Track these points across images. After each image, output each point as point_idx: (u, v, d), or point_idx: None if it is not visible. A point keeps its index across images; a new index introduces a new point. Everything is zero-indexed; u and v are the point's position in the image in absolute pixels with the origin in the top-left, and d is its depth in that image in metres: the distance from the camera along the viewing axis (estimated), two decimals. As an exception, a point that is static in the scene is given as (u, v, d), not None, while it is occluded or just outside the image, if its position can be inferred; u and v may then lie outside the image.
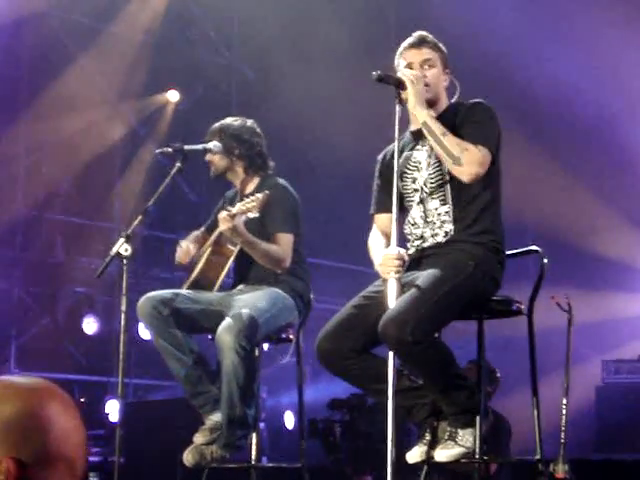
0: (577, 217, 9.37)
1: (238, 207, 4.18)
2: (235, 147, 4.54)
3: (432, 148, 3.68)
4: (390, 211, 3.56)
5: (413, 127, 3.83)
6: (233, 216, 4.15)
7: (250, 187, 4.58)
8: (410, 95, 3.55)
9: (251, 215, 4.18)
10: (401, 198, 3.73)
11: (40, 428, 1.51)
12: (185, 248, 4.54)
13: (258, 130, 4.63)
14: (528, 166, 8.80)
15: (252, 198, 4.15)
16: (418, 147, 3.79)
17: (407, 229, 3.80)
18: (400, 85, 3.56)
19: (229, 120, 4.65)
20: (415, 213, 3.77)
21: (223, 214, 4.19)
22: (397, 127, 3.51)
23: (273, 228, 4.39)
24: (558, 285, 4.32)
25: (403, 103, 3.57)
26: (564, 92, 9.11)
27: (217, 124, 4.64)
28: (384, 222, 3.83)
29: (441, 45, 3.81)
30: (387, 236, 3.71)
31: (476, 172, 3.56)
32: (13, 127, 8.44)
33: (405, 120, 3.73)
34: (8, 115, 8.41)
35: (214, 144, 4.54)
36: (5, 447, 1.49)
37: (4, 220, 8.45)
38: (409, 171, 3.79)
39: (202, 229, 4.75)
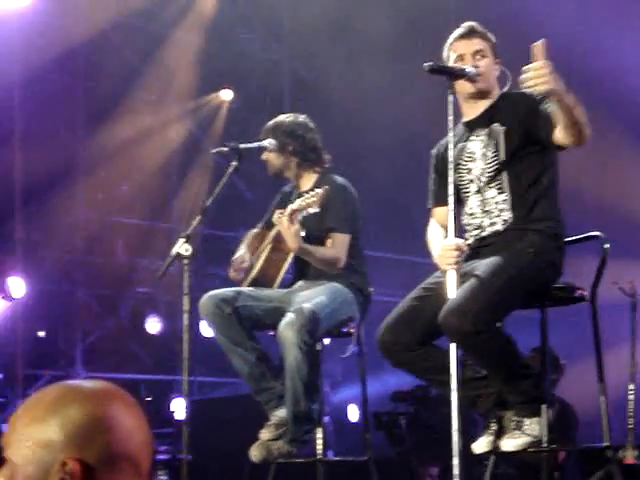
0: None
1: (298, 203, 4.19)
2: (289, 143, 4.55)
3: (488, 136, 3.68)
4: (447, 204, 3.54)
5: (466, 118, 3.82)
6: (292, 214, 4.15)
7: (307, 184, 4.59)
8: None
9: (311, 210, 4.20)
10: (457, 190, 3.72)
11: (103, 429, 1.54)
12: (238, 265, 4.56)
13: (311, 125, 4.64)
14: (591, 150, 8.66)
15: (312, 193, 4.18)
16: (472, 138, 3.77)
17: (465, 220, 3.79)
18: (453, 75, 3.54)
19: (282, 117, 4.67)
20: (472, 203, 3.75)
21: (278, 214, 4.20)
22: (451, 117, 3.49)
23: (330, 228, 4.40)
24: (621, 269, 4.27)
25: (456, 94, 3.55)
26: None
27: (270, 122, 4.66)
28: (442, 215, 3.82)
29: (490, 35, 3.79)
30: (445, 229, 3.70)
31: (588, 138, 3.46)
32: (72, 133, 8.56)
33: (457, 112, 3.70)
34: (66, 122, 8.53)
35: (269, 141, 4.56)
36: (70, 449, 1.51)
37: (66, 224, 8.58)
38: (464, 162, 3.77)
39: (260, 225, 4.78)
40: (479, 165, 3.73)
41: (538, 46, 3.23)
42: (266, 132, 4.62)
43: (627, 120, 9.16)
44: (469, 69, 3.65)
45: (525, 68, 3.25)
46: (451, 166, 3.50)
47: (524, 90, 3.65)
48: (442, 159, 3.81)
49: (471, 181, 3.76)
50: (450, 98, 3.50)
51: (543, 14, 8.45)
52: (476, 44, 3.74)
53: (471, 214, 3.76)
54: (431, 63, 3.49)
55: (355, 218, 4.50)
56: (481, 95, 3.71)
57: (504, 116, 3.67)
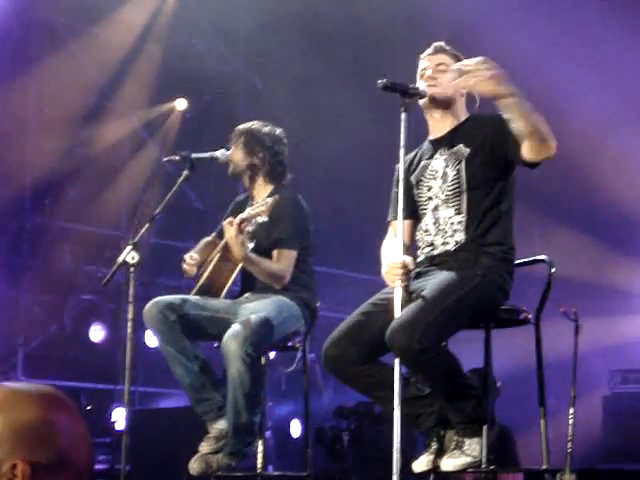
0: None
1: (247, 212, 4.19)
2: (259, 151, 4.56)
3: (452, 156, 3.71)
4: (407, 218, 3.56)
5: (432, 136, 3.85)
6: (241, 223, 4.15)
7: (262, 194, 4.58)
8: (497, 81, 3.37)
9: (260, 220, 4.20)
10: (416, 206, 3.77)
11: (53, 434, 1.55)
12: (189, 260, 4.55)
13: (284, 140, 4.64)
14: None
15: (261, 202, 4.18)
16: (436, 156, 3.80)
17: (419, 235, 3.81)
18: (406, 93, 3.55)
19: (258, 124, 4.67)
20: (428, 220, 3.77)
21: (228, 220, 4.21)
22: (403, 134, 3.49)
23: (277, 243, 4.40)
24: (565, 295, 4.31)
25: (409, 110, 3.56)
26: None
27: (245, 125, 4.66)
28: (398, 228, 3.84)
29: (460, 55, 3.82)
30: (403, 243, 3.72)
31: (553, 149, 3.48)
32: (21, 137, 8.46)
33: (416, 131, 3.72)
34: (17, 125, 8.43)
35: (221, 152, 4.56)
36: (20, 451, 1.51)
37: (11, 227, 8.47)
38: (425, 179, 3.80)
39: (213, 234, 4.76)
40: (438, 184, 3.75)
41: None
42: (238, 134, 4.62)
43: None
44: (422, 87, 3.68)
45: (464, 62, 3.27)
46: (401, 184, 3.51)
47: (493, 113, 3.69)
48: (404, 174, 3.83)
49: (430, 198, 3.78)
50: (402, 116, 3.51)
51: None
52: (440, 59, 3.81)
53: (425, 230, 3.79)
54: (384, 80, 3.50)
55: (305, 233, 4.50)
56: (438, 105, 3.74)
57: (469, 137, 3.70)
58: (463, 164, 3.71)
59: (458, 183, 3.71)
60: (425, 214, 3.80)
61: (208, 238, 4.77)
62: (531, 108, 3.42)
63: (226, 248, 4.41)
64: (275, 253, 4.39)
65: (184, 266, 4.57)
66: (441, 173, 3.75)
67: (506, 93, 3.36)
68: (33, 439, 1.53)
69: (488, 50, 3.85)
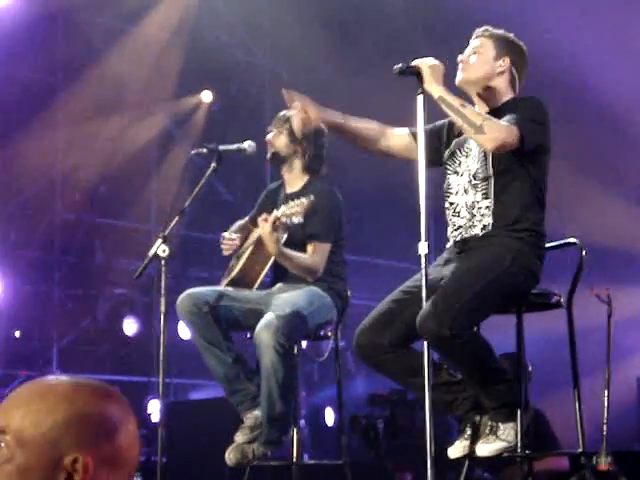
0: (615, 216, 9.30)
1: (282, 211, 4.15)
2: (303, 140, 4.53)
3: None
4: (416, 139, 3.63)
5: None
6: (275, 221, 4.14)
7: (297, 184, 4.57)
8: (424, 75, 3.51)
9: (295, 220, 4.16)
10: (438, 162, 3.86)
11: (114, 430, 1.54)
12: (228, 237, 4.56)
13: (326, 133, 4.60)
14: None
15: (297, 202, 4.12)
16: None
17: (448, 214, 3.80)
18: (420, 74, 3.54)
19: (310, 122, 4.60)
20: (459, 200, 3.77)
21: (263, 216, 4.18)
22: (421, 117, 3.47)
23: (311, 235, 4.39)
24: (597, 278, 4.29)
25: (426, 93, 3.53)
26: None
27: (288, 112, 4.60)
28: (391, 133, 3.92)
29: (501, 34, 3.84)
30: (384, 136, 3.86)
31: (501, 139, 3.49)
32: (49, 132, 8.52)
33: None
34: (44, 120, 8.49)
35: (248, 144, 4.55)
36: (82, 445, 1.50)
37: (43, 224, 8.54)
38: (459, 154, 3.79)
39: (246, 218, 4.77)
40: (470, 164, 3.74)
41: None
42: (285, 120, 4.56)
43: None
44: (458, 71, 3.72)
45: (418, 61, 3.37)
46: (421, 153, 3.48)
47: (530, 96, 3.69)
48: (446, 129, 3.91)
49: (460, 175, 3.78)
50: (419, 98, 3.49)
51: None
52: (476, 42, 3.83)
53: (454, 211, 3.78)
54: (400, 65, 3.50)
55: (339, 225, 4.49)
56: (470, 86, 3.77)
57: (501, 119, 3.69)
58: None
59: (485, 166, 3.70)
60: (451, 189, 3.80)
61: (241, 222, 4.79)
62: (461, 102, 3.52)
63: (259, 241, 4.40)
64: (309, 247, 4.38)
65: (223, 244, 4.59)
66: (476, 153, 3.74)
67: (431, 91, 3.47)
68: (95, 434, 1.51)
69: (516, 32, 3.87)
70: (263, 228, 4.15)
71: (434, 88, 3.52)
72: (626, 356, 8.00)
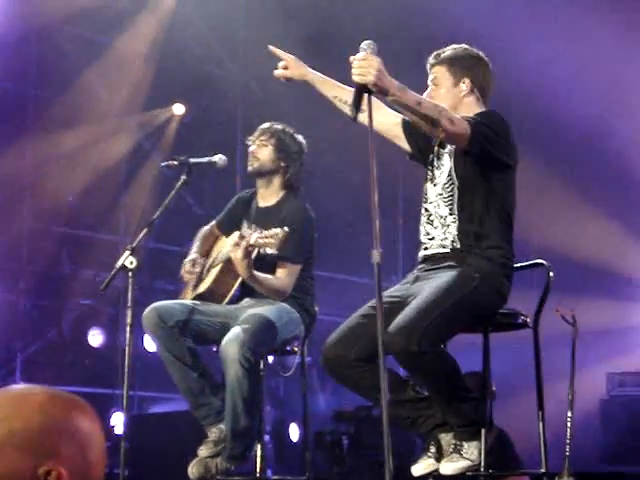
0: (581, 231, 9.38)
1: (255, 238, 4.06)
2: (287, 157, 4.50)
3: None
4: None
5: None
6: (248, 247, 4.08)
7: (271, 199, 4.55)
8: (381, 90, 3.29)
9: (269, 251, 4.11)
10: (419, 153, 3.85)
11: (86, 444, 1.51)
12: (189, 268, 4.54)
13: (305, 152, 4.60)
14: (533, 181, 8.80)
15: (272, 233, 4.03)
16: (447, 150, 3.80)
17: (423, 220, 3.81)
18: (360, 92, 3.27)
19: (290, 129, 4.59)
20: (433, 210, 3.78)
21: (236, 240, 4.13)
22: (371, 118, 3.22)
23: (283, 257, 4.32)
24: (563, 296, 4.32)
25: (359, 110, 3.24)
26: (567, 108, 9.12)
27: (278, 126, 4.56)
28: (391, 113, 3.84)
29: (452, 55, 3.81)
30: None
31: (451, 130, 3.46)
32: (19, 141, 8.47)
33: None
34: (14, 129, 8.44)
35: (219, 157, 4.55)
36: (55, 457, 1.47)
37: (10, 233, 8.47)
38: (436, 164, 3.80)
39: (213, 223, 4.75)
40: (440, 175, 3.76)
41: (366, 43, 3.28)
42: (271, 133, 4.52)
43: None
44: None
45: (351, 59, 3.26)
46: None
47: (491, 110, 3.70)
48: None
49: (432, 182, 3.79)
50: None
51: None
52: (433, 73, 3.81)
53: (429, 220, 3.78)
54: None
55: (310, 245, 4.49)
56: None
57: None
58: (453, 158, 3.73)
59: (451, 179, 3.72)
60: (427, 196, 3.80)
61: (206, 227, 4.77)
62: (417, 98, 3.43)
63: (229, 260, 4.36)
64: (280, 268, 4.35)
65: (183, 273, 4.57)
66: (445, 161, 3.76)
67: (390, 87, 3.31)
68: (69, 446, 1.48)
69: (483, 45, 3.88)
70: (235, 253, 4.11)
71: (393, 91, 3.35)
72: (590, 376, 8.05)
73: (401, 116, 3.84)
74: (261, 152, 4.50)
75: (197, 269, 4.54)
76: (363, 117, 3.22)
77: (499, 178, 3.70)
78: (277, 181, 4.53)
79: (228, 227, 4.65)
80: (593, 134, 9.11)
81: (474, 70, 3.81)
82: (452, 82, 3.78)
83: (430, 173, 3.83)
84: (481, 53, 3.86)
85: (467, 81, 3.78)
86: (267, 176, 4.54)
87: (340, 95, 3.75)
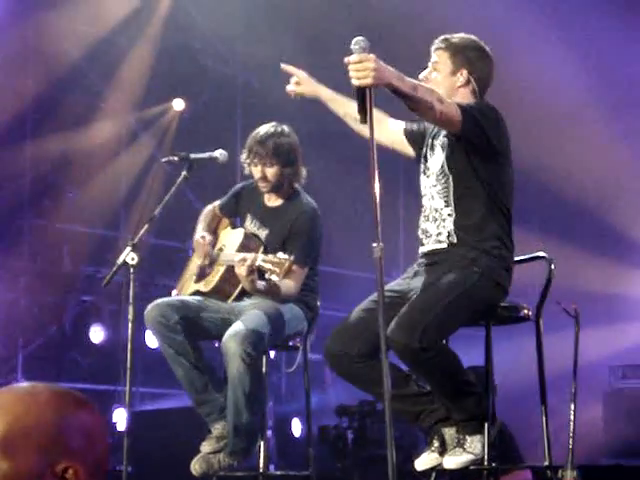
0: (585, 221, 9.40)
1: (261, 260, 4.00)
2: (292, 164, 4.43)
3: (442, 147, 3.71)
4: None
5: None
6: (251, 267, 4.02)
7: (278, 200, 4.53)
8: (384, 84, 3.26)
9: (273, 277, 4.02)
10: (417, 147, 3.88)
11: (96, 440, 1.51)
12: (201, 242, 4.49)
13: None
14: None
15: (278, 261, 3.96)
16: (442, 135, 3.79)
17: (421, 215, 3.81)
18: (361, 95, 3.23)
19: (279, 129, 4.47)
20: (428, 204, 3.77)
21: (241, 258, 4.07)
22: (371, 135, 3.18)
23: (293, 260, 4.28)
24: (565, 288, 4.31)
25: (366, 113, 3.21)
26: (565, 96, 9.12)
27: (268, 135, 4.43)
28: (396, 129, 3.92)
29: (458, 43, 3.81)
30: (379, 124, 3.71)
31: (443, 111, 3.44)
32: (20, 138, 8.46)
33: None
34: (15, 126, 8.43)
35: (220, 152, 4.53)
36: (70, 454, 1.47)
37: (11, 230, 8.47)
38: (429, 156, 3.80)
39: (216, 204, 4.71)
40: (433, 164, 3.75)
41: (356, 41, 3.23)
42: (268, 155, 4.42)
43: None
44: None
45: (345, 61, 3.22)
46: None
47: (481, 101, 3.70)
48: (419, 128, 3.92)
49: (425, 174, 3.81)
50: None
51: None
52: (434, 57, 3.82)
53: (425, 215, 3.79)
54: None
55: (317, 247, 4.47)
56: None
57: None
58: (446, 149, 3.72)
59: (443, 170, 3.72)
60: (422, 191, 3.82)
61: (209, 207, 4.75)
62: (412, 83, 3.40)
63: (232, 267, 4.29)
64: (289, 271, 4.30)
65: (195, 257, 4.53)
66: (438, 153, 3.76)
67: (392, 82, 3.29)
68: (81, 443, 1.48)
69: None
70: (239, 269, 4.09)
71: (393, 83, 3.31)
72: (593, 370, 8.05)
73: (402, 123, 3.90)
74: (269, 173, 4.42)
75: (207, 244, 4.48)
76: (365, 128, 3.23)
77: (493, 169, 3.68)
78: (285, 184, 4.50)
79: (230, 212, 4.66)
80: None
81: (476, 63, 3.80)
82: (451, 70, 3.78)
83: (423, 166, 3.83)
84: (487, 48, 3.86)
85: (465, 73, 3.79)
86: (274, 186, 4.49)
87: (352, 112, 3.71)
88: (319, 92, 3.89)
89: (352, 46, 3.23)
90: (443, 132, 3.76)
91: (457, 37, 3.84)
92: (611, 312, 9.28)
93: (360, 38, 3.24)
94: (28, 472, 1.45)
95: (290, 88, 3.87)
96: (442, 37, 3.85)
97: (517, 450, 5.84)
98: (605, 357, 8.59)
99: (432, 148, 3.80)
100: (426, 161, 3.81)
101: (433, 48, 3.84)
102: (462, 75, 3.78)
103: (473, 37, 3.86)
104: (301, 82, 3.87)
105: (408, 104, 3.45)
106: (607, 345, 8.91)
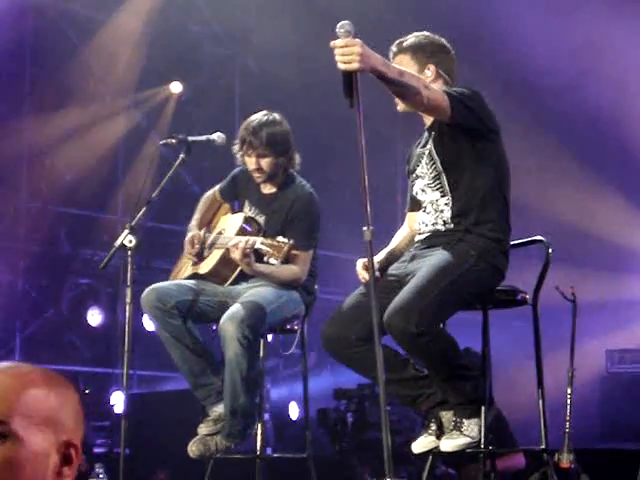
0: (578, 201, 9.40)
1: (260, 243, 4.02)
2: (286, 152, 4.41)
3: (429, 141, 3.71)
4: (413, 210, 3.86)
5: (426, 123, 3.83)
6: (245, 249, 4.05)
7: (271, 188, 4.52)
8: (370, 70, 3.21)
9: (272, 260, 4.05)
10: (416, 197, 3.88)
11: (82, 416, 1.56)
12: (189, 249, 4.49)
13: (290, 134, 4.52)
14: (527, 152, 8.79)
15: (277, 244, 3.98)
16: (429, 144, 3.78)
17: (419, 218, 3.84)
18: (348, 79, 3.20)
19: (270, 118, 4.41)
20: (424, 197, 3.80)
21: (234, 243, 4.09)
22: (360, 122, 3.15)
23: (296, 245, 4.19)
24: (562, 270, 4.32)
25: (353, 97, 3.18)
26: (565, 79, 9.11)
27: (260, 124, 4.37)
28: (411, 219, 3.96)
29: (414, 42, 3.79)
30: (413, 234, 3.88)
31: (430, 96, 3.42)
32: (17, 120, 8.44)
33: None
34: (12, 108, 8.41)
35: (218, 135, 4.52)
36: (71, 430, 1.51)
37: (8, 212, 8.46)
38: (418, 167, 3.80)
39: (216, 189, 4.69)
40: (424, 166, 3.77)
41: (341, 24, 3.19)
42: (282, 142, 4.39)
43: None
44: None
45: (332, 45, 3.18)
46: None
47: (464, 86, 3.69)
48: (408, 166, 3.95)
49: (418, 177, 3.81)
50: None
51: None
52: (396, 63, 3.69)
53: (425, 209, 3.81)
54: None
55: (317, 230, 4.47)
56: (411, 110, 3.73)
57: None
58: (432, 140, 3.72)
59: (434, 164, 3.72)
60: (419, 192, 3.83)
61: (209, 193, 4.73)
62: (399, 70, 3.38)
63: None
64: (293, 256, 4.30)
65: (186, 254, 4.52)
66: (425, 155, 3.77)
67: (379, 68, 3.25)
68: (77, 420, 1.53)
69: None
70: (234, 254, 4.10)
71: (379, 68, 3.27)
72: (590, 352, 8.07)
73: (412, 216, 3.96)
74: (264, 163, 4.40)
75: (196, 248, 4.50)
76: None
77: (487, 148, 3.67)
78: (280, 173, 4.48)
79: (230, 196, 4.66)
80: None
81: (438, 56, 3.81)
82: (417, 69, 3.76)
83: (414, 173, 3.84)
84: (443, 40, 3.86)
85: (432, 67, 3.79)
86: (270, 176, 4.47)
87: (407, 239, 3.96)
88: (384, 263, 3.88)
89: (337, 30, 3.20)
90: (424, 139, 3.79)
91: (411, 37, 3.83)
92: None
93: (345, 22, 3.20)
94: (39, 454, 1.46)
95: (362, 273, 3.79)
96: (396, 43, 3.82)
97: (511, 435, 5.87)
98: (602, 341, 8.60)
99: (419, 159, 3.80)
100: (416, 168, 3.81)
101: (392, 56, 3.80)
102: (430, 70, 3.78)
103: (426, 33, 3.86)
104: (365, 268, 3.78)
105: (395, 90, 3.44)
106: (604, 329, 8.93)
